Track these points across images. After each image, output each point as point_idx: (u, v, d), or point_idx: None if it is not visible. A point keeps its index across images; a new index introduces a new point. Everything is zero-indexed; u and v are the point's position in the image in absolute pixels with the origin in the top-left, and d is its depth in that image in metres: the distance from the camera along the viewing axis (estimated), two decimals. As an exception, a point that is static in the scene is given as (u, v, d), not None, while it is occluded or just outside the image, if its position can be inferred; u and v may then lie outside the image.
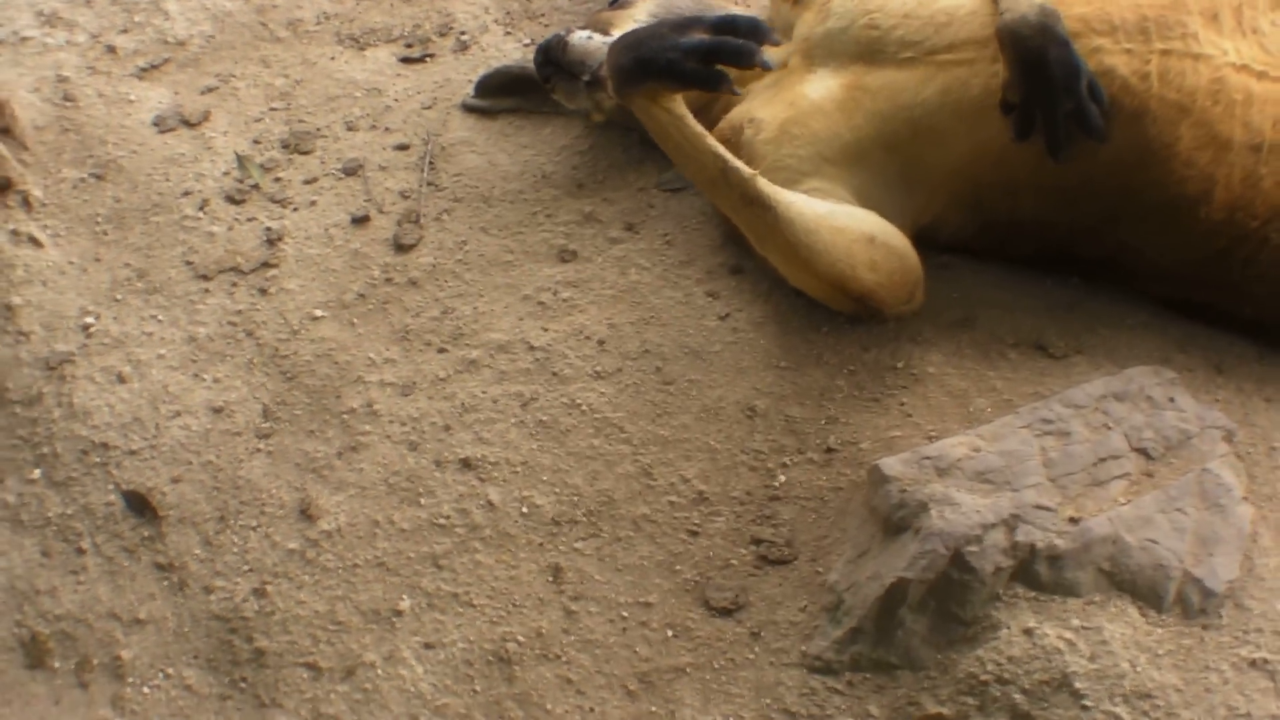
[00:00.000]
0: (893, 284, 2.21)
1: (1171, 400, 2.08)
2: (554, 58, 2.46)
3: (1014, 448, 1.99)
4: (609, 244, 2.50)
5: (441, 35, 3.04)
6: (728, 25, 2.08)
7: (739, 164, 2.09)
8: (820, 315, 2.26)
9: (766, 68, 2.04)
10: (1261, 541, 1.93)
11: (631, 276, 2.43)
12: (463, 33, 3.03)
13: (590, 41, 2.45)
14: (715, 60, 2.03)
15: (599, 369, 2.29)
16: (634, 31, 2.12)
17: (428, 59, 2.99)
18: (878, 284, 2.20)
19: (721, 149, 2.08)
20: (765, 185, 2.10)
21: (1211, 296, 2.26)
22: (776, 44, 2.12)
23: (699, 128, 2.08)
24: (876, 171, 2.32)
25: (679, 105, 2.07)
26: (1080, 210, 2.22)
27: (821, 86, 2.36)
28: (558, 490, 2.16)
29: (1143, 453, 2.00)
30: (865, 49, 2.34)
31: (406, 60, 2.99)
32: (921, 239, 2.31)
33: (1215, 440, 2.03)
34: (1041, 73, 2.08)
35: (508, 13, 3.06)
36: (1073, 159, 2.13)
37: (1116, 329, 2.25)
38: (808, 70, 2.39)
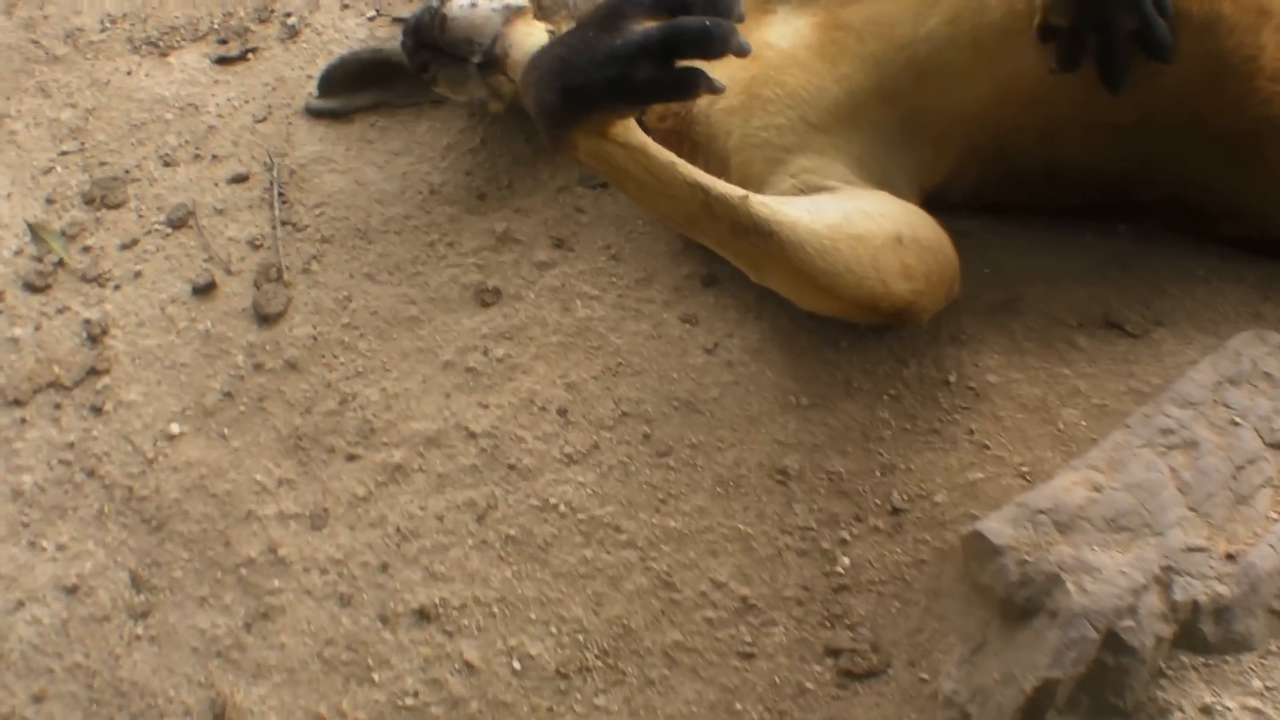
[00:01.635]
0: (931, 286, 1.79)
1: None
2: (429, 39, 1.91)
3: (1141, 476, 1.63)
4: (538, 271, 2.00)
5: (261, 22, 2.46)
6: (675, 1, 1.54)
7: (724, 189, 1.63)
8: (832, 326, 1.82)
9: (744, 51, 1.52)
10: None
11: (579, 312, 1.94)
12: (288, 14, 2.45)
13: (475, 10, 1.90)
14: (676, 56, 1.52)
15: (568, 450, 1.79)
16: (549, 50, 1.60)
17: (249, 55, 2.42)
18: (915, 292, 1.76)
19: (699, 175, 1.61)
20: (761, 207, 1.64)
21: None
22: (742, 17, 1.58)
23: (665, 155, 1.61)
24: (875, 131, 1.91)
25: (634, 133, 1.58)
26: (1137, 148, 1.88)
27: (788, 30, 1.93)
28: (554, 630, 1.67)
29: (1278, 447, 1.70)
30: None
31: (223, 61, 2.41)
32: (929, 203, 1.93)
33: (1344, 418, 1.73)
34: None
35: None
36: (1129, 88, 1.78)
37: (1188, 284, 1.89)
38: (764, 10, 1.98)
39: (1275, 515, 1.64)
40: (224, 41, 2.42)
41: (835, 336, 1.84)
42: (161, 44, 2.45)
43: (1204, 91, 1.80)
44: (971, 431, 1.75)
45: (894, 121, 1.90)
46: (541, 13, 1.97)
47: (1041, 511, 1.60)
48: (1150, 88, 1.79)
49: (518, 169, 2.13)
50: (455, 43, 1.88)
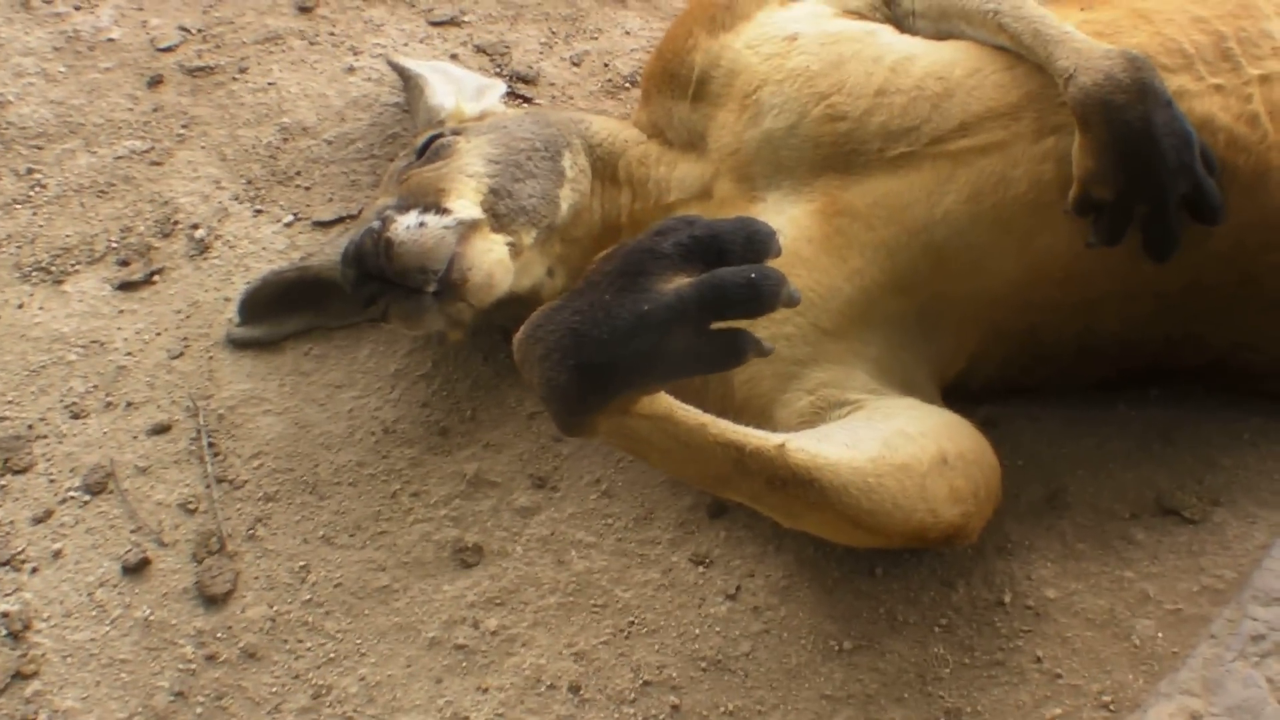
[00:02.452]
0: (980, 504, 1.62)
1: None
2: (374, 268, 1.67)
3: (1240, 696, 1.51)
4: (521, 519, 1.80)
5: (165, 236, 2.23)
6: (712, 244, 1.35)
7: (758, 441, 1.45)
8: (864, 550, 1.68)
9: (795, 301, 1.35)
10: None
11: (576, 564, 1.75)
12: (194, 226, 2.23)
13: (424, 231, 1.67)
14: (721, 317, 1.33)
15: None
16: (555, 315, 1.36)
17: (155, 278, 2.18)
18: (964, 514, 1.59)
19: (730, 432, 1.44)
20: (799, 454, 1.47)
21: None
22: (780, 252, 1.40)
23: (693, 418, 1.43)
24: (892, 327, 1.76)
25: (659, 402, 1.41)
26: (1182, 315, 1.77)
27: (784, 221, 1.76)
28: None
29: None
30: (833, 152, 1.78)
31: (126, 286, 2.17)
32: (949, 394, 1.81)
33: None
34: (1149, 153, 1.59)
35: (248, 182, 2.28)
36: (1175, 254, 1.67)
37: (1237, 451, 1.79)
38: (749, 198, 1.82)
39: None
40: (125, 263, 2.19)
41: (869, 562, 1.69)
42: (55, 269, 2.20)
43: (1255, 250, 1.70)
44: (1039, 659, 1.60)
45: (911, 313, 1.76)
46: (498, 223, 1.77)
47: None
48: (1197, 252, 1.68)
49: (479, 395, 1.92)
50: (406, 271, 1.66)
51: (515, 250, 1.76)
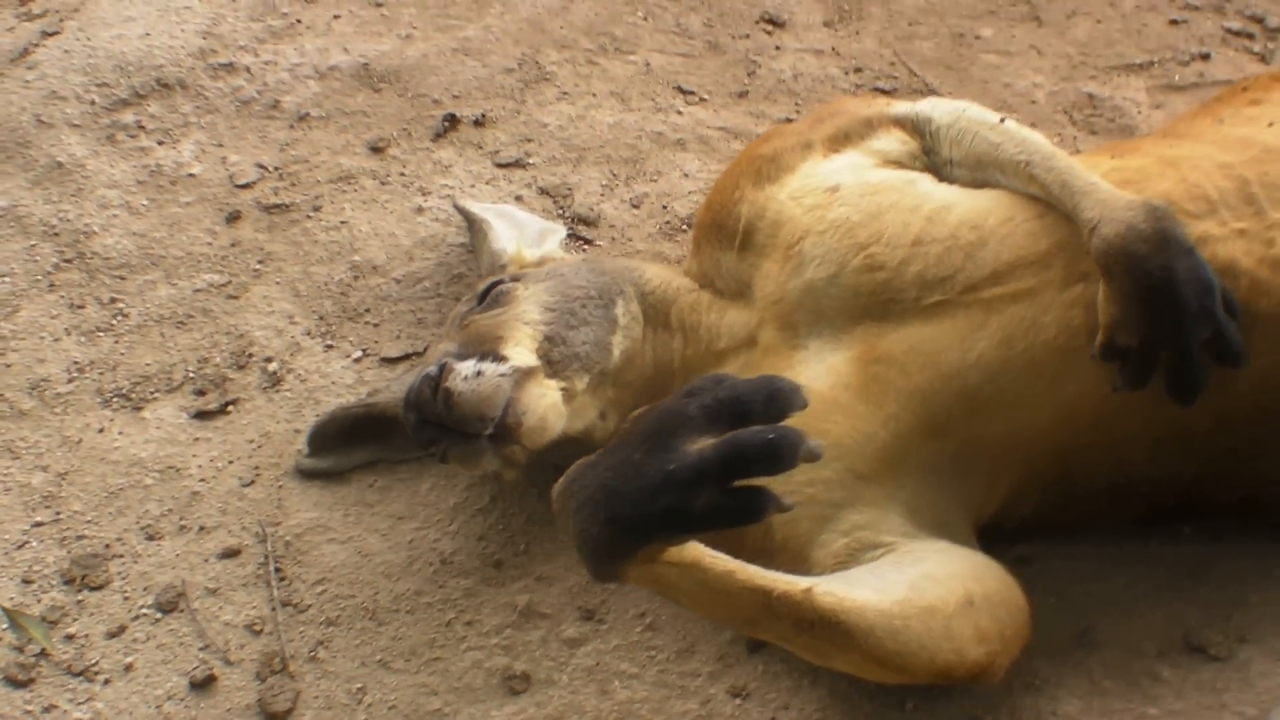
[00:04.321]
0: (1006, 644, 1.67)
1: None
2: (433, 415, 1.77)
3: None
4: (568, 649, 1.88)
5: (240, 368, 2.34)
6: (734, 406, 1.44)
7: (785, 585, 1.53)
8: (893, 686, 1.71)
9: (816, 456, 1.41)
10: None
11: (619, 694, 1.82)
12: (268, 359, 2.35)
13: (481, 380, 1.76)
14: (740, 477, 1.41)
15: None
16: (589, 471, 1.46)
17: (229, 407, 2.29)
18: (990, 654, 1.64)
19: (758, 577, 1.52)
20: (826, 598, 1.54)
21: None
22: (804, 405, 1.47)
23: (721, 564, 1.51)
24: (926, 471, 1.81)
25: (688, 550, 1.49)
26: (1212, 453, 1.81)
27: (824, 369, 1.85)
28: None
29: None
30: (872, 300, 1.85)
31: (201, 415, 2.28)
32: (985, 533, 1.85)
33: None
34: (1171, 300, 1.65)
35: (320, 318, 2.39)
36: (1201, 396, 1.70)
37: (1267, 589, 1.84)
38: (792, 345, 1.90)
39: None
40: (201, 393, 2.30)
41: (900, 697, 1.74)
42: (134, 396, 2.32)
43: (1279, 389, 1.73)
44: None
45: (945, 456, 1.81)
46: (552, 369, 1.86)
47: None
48: (1222, 393, 1.71)
49: (533, 530, 2.01)
50: (464, 419, 1.75)
51: (568, 395, 1.85)
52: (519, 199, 2.57)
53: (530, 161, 2.67)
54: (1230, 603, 1.82)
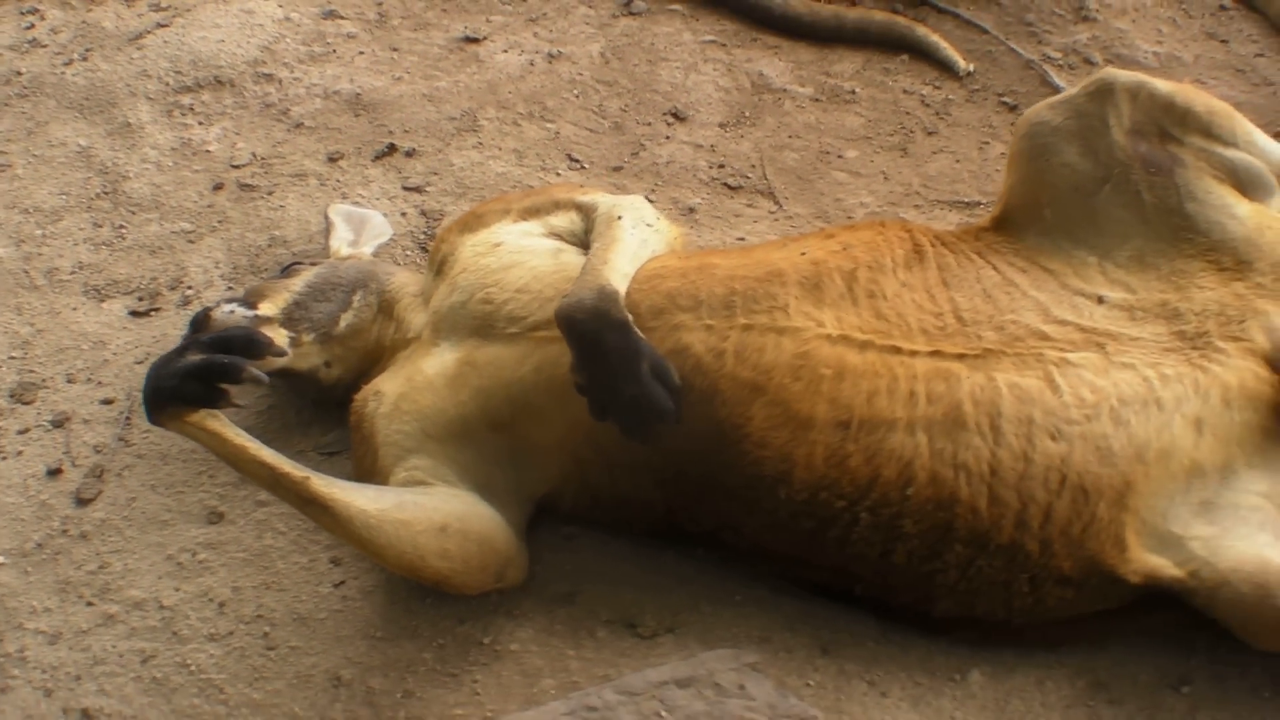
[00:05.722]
0: (469, 569, 2.22)
1: (741, 687, 2.10)
2: (199, 331, 2.44)
3: None
4: (256, 506, 2.67)
5: (171, 289, 3.22)
6: (222, 343, 2.12)
7: (288, 469, 2.08)
8: (427, 586, 2.31)
9: (259, 381, 2.08)
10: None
11: (266, 540, 2.61)
12: (189, 288, 3.21)
13: (232, 316, 2.52)
14: (210, 380, 2.06)
15: (213, 631, 2.48)
16: (159, 363, 2.16)
17: (153, 313, 3.16)
18: (451, 570, 2.20)
19: (267, 456, 2.09)
20: (320, 486, 2.09)
21: (818, 576, 2.23)
22: (281, 354, 2.29)
23: (241, 439, 2.09)
24: (484, 448, 2.34)
25: (213, 420, 2.09)
26: (672, 487, 2.21)
27: (439, 361, 2.40)
28: None
29: None
30: (480, 323, 2.38)
31: (135, 314, 3.17)
32: (547, 509, 2.39)
33: (785, 728, 1.99)
34: (599, 358, 2.07)
35: (235, 268, 3.23)
36: (655, 440, 2.09)
37: (722, 606, 2.32)
38: (433, 344, 2.45)
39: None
40: (141, 299, 3.17)
41: (426, 593, 2.38)
42: (103, 292, 3.20)
43: (709, 450, 2.10)
44: (476, 681, 2.27)
45: (503, 444, 2.31)
46: (288, 324, 2.56)
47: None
48: (671, 439, 2.09)
49: (281, 431, 2.85)
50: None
51: (295, 343, 2.52)
52: (404, 214, 3.30)
53: (428, 189, 3.37)
54: (685, 607, 2.30)
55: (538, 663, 2.29)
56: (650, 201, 2.59)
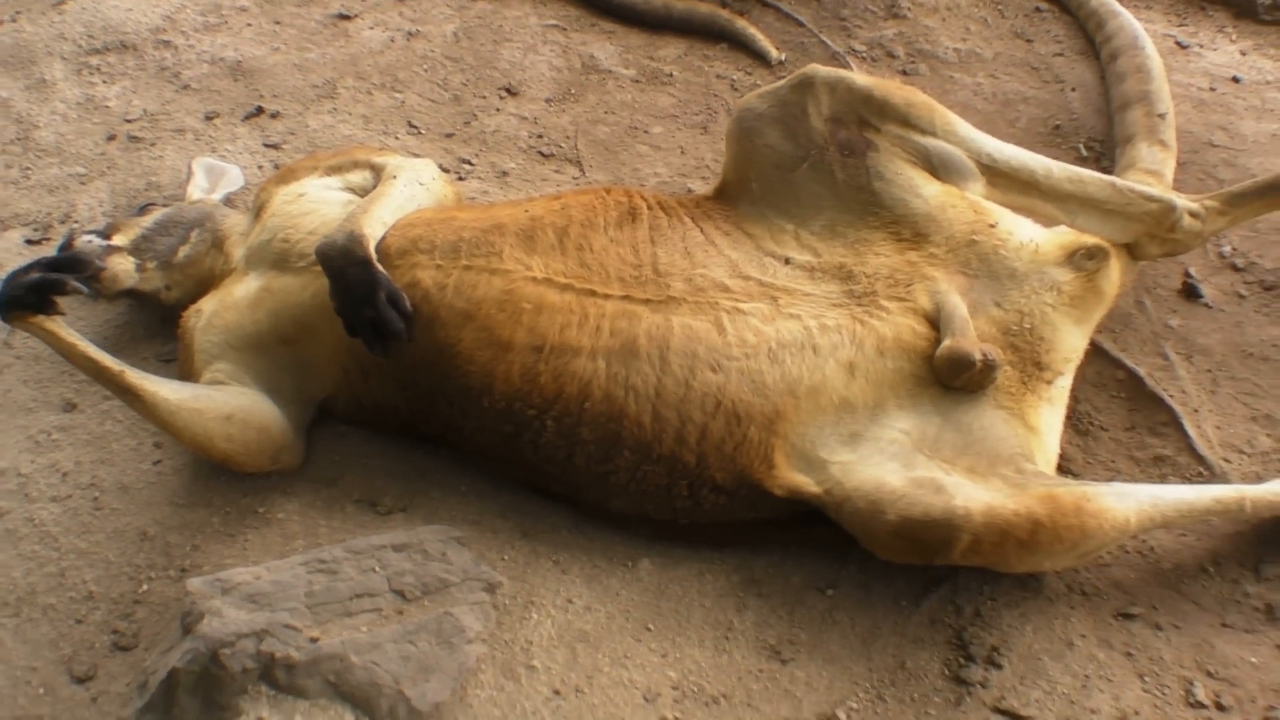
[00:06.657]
0: (248, 452, 2.60)
1: (444, 554, 2.36)
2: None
3: (286, 579, 2.32)
4: (103, 399, 3.00)
5: (62, 223, 3.53)
6: (56, 264, 2.53)
7: (109, 363, 2.44)
8: (220, 466, 2.67)
9: (80, 291, 2.49)
10: (482, 676, 2.30)
11: (107, 426, 2.94)
12: (76, 222, 3.50)
13: (90, 245, 2.82)
14: (42, 292, 2.44)
15: (56, 494, 2.82)
16: (11, 272, 2.52)
17: (44, 242, 3.47)
18: (234, 451, 2.59)
19: (93, 353, 2.45)
20: (133, 378, 2.44)
21: (521, 474, 2.53)
22: (101, 269, 2.67)
23: (71, 338, 2.46)
24: (274, 358, 2.68)
25: (50, 323, 2.46)
26: (410, 394, 2.53)
27: (245, 288, 2.73)
28: (2, 581, 2.65)
29: (400, 594, 2.28)
30: (279, 258, 2.72)
31: (29, 242, 3.49)
32: (326, 412, 2.74)
33: (475, 590, 2.32)
34: (344, 287, 2.42)
35: (115, 208, 3.54)
36: (392, 354, 2.44)
37: (448, 493, 2.64)
38: (244, 273, 2.79)
39: (365, 630, 2.20)
40: (37, 230, 3.52)
41: (220, 471, 2.73)
42: (6, 223, 3.55)
43: (433, 362, 2.43)
44: (247, 540, 2.61)
45: (290, 355, 2.65)
46: (135, 253, 2.87)
47: (219, 580, 2.32)
48: (404, 354, 2.43)
49: (132, 341, 3.34)
50: (73, 261, 2.69)
51: (140, 268, 2.84)
52: (260, 168, 3.60)
53: (284, 147, 3.68)
54: (420, 493, 2.64)
55: (295, 528, 2.61)
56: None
